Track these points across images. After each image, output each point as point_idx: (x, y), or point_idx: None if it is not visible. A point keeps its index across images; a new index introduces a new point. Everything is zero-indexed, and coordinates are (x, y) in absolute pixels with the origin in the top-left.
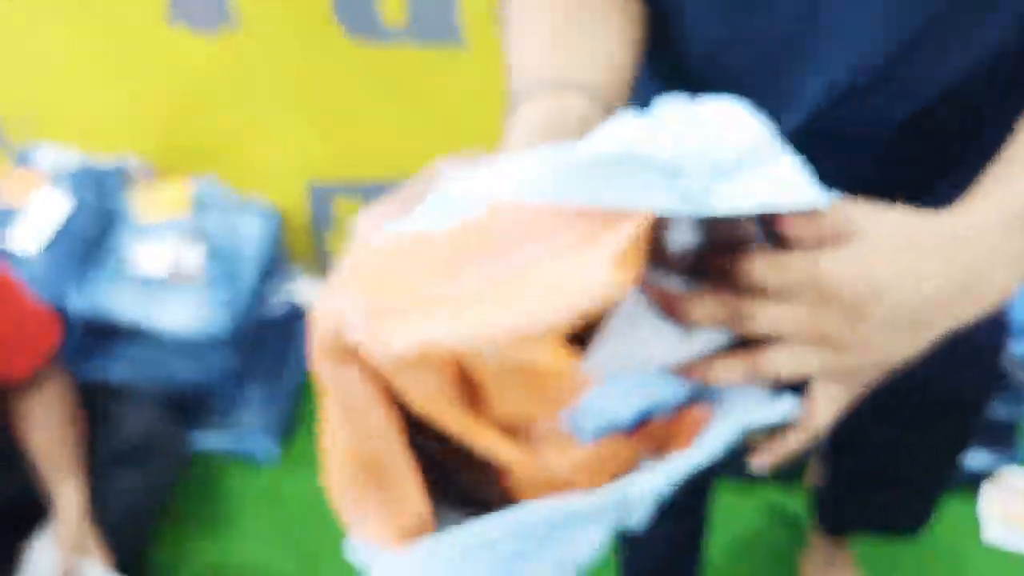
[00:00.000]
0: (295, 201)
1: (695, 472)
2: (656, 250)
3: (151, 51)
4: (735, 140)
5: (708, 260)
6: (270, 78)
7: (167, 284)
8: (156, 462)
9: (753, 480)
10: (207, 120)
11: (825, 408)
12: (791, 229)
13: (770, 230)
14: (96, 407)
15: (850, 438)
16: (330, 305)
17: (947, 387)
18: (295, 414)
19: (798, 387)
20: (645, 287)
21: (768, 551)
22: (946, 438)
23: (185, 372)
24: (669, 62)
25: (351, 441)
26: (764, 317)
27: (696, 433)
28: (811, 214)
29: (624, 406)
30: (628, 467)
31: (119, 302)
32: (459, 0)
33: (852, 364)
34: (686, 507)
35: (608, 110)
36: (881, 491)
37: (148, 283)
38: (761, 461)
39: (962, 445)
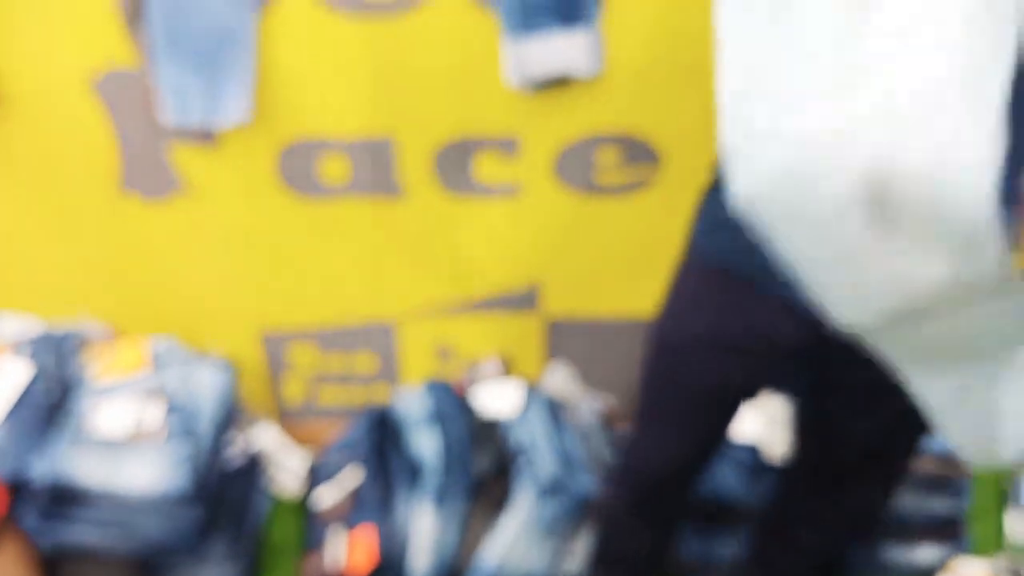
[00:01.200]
0: (250, 351)
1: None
2: None
3: (105, 219)
4: None
5: None
6: (221, 238)
7: (128, 444)
8: None
9: None
10: (162, 281)
11: None
12: None
13: None
14: (62, 573)
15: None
16: None
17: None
18: (257, 561)
19: None
20: None
21: None
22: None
23: (149, 530)
24: None
25: None
26: None
27: None
28: None
29: None
30: None
31: (81, 466)
32: (397, 157)
33: None
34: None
35: None
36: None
37: (109, 445)
38: None
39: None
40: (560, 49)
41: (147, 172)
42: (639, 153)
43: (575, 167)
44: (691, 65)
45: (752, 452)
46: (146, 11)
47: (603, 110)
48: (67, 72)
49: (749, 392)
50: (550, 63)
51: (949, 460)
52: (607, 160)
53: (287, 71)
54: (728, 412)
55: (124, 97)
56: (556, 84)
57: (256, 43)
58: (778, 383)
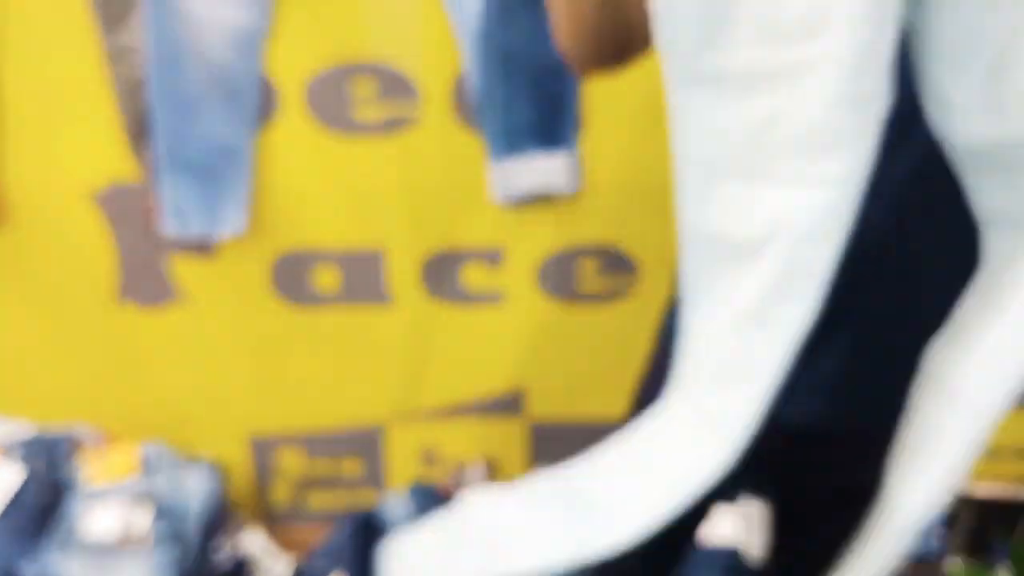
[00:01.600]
0: (238, 455)
1: None
2: None
3: (102, 326)
4: None
5: None
6: (214, 345)
7: (117, 549)
8: None
9: None
10: (154, 386)
11: None
12: None
13: None
14: None
15: None
16: None
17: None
18: None
19: None
20: None
21: None
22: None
23: None
24: None
25: None
26: None
27: None
28: None
29: None
30: None
31: (71, 570)
32: (386, 267)
33: None
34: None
35: None
36: None
37: (98, 549)
38: None
39: None
40: (541, 169)
41: (145, 281)
42: (617, 264)
43: (557, 276)
44: (664, 183)
45: (731, 555)
46: (149, 128)
47: (583, 223)
48: (71, 186)
49: (719, 496)
50: (532, 181)
51: (926, 564)
52: (587, 270)
53: (282, 185)
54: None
55: (125, 210)
56: (538, 199)
57: (254, 159)
58: (750, 488)
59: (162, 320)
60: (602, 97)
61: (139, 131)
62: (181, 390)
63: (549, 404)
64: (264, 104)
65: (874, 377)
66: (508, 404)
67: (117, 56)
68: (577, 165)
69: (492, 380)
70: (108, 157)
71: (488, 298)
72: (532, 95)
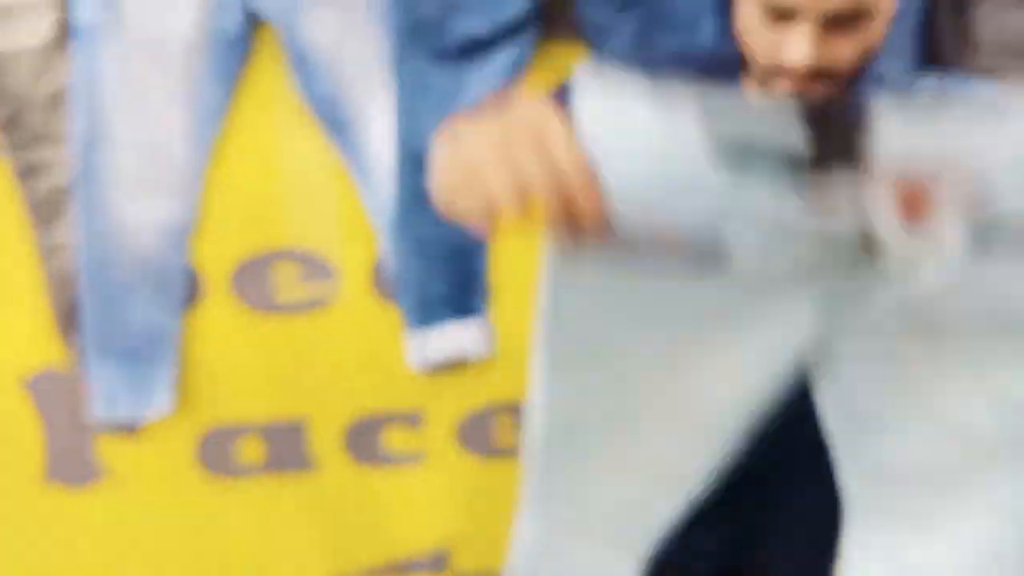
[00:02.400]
0: None
1: None
2: None
3: (28, 508)
4: None
5: None
6: (141, 521)
7: None
8: None
9: None
10: (82, 566)
11: None
12: None
13: None
14: None
15: None
16: None
17: None
18: None
19: None
20: None
21: None
22: None
23: None
24: None
25: None
26: None
27: None
28: None
29: None
30: None
31: None
32: (309, 436)
33: None
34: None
35: None
36: None
37: None
38: None
39: None
40: (455, 337)
41: (72, 462)
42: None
43: (476, 434)
44: None
45: None
46: (79, 317)
47: (497, 383)
48: (1, 372)
49: None
50: (447, 348)
51: None
52: (504, 427)
53: (207, 365)
54: None
55: (54, 394)
56: (454, 363)
57: (180, 342)
58: None
59: (89, 499)
60: (510, 267)
61: (69, 320)
62: (108, 569)
63: (474, 559)
64: (190, 290)
65: None
66: (435, 562)
67: (49, 251)
68: (489, 331)
69: (418, 539)
70: (38, 344)
71: (410, 459)
72: (445, 272)
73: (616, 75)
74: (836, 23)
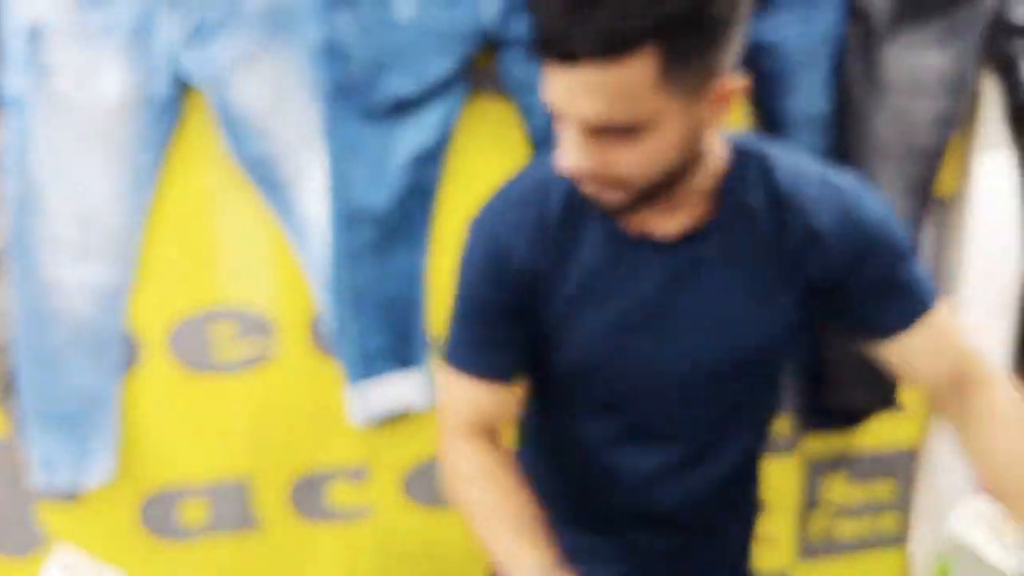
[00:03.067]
0: None
1: None
2: None
3: None
4: None
5: None
6: None
7: None
8: None
9: None
10: None
11: None
12: None
13: None
14: None
15: None
16: None
17: None
18: None
19: None
20: None
21: None
22: None
23: None
24: None
25: None
26: None
27: None
28: None
29: None
30: None
31: None
32: (254, 494)
33: None
34: None
35: None
36: None
37: None
38: None
39: None
40: (397, 388)
41: (12, 531)
42: None
43: (423, 486)
44: None
45: None
46: (16, 384)
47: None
48: None
49: None
50: (389, 401)
51: None
52: None
53: (148, 428)
54: None
55: None
56: (397, 416)
57: (119, 406)
58: None
59: (32, 568)
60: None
61: (6, 388)
62: None
63: None
64: (128, 353)
65: None
66: None
67: None
68: (430, 382)
69: None
70: None
71: (355, 513)
72: (383, 325)
73: None
74: (607, 133)
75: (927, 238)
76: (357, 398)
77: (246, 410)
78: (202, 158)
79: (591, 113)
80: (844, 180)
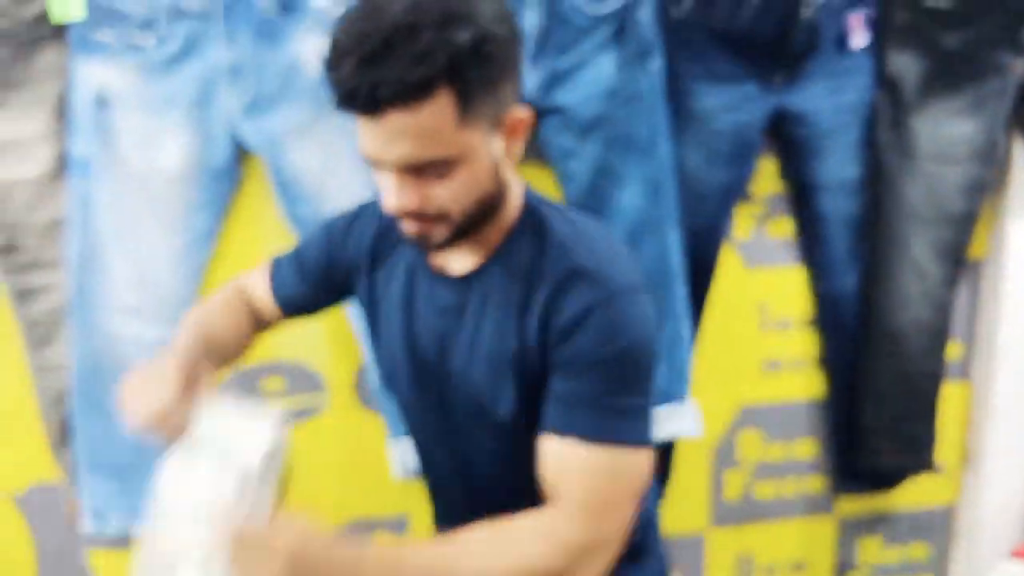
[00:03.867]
0: None
1: None
2: None
3: None
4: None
5: None
6: None
7: None
8: None
9: None
10: None
11: None
12: None
13: None
14: None
15: None
16: None
17: None
18: None
19: None
20: None
21: None
22: None
23: None
24: None
25: None
26: None
27: None
28: None
29: None
30: None
31: None
32: None
33: None
34: None
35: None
36: None
37: None
38: None
39: None
40: None
41: (62, 574)
42: None
43: None
44: None
45: None
46: (71, 433)
47: None
48: None
49: None
50: None
51: None
52: None
53: None
54: None
55: (46, 509)
56: None
57: None
58: None
59: None
60: None
61: (61, 436)
62: None
63: None
64: None
65: None
66: None
67: (43, 371)
68: None
69: None
70: (31, 461)
71: None
72: None
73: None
74: (421, 171)
75: (960, 301)
76: (398, 453)
77: (294, 461)
78: (258, 219)
79: (403, 156)
80: (605, 272)
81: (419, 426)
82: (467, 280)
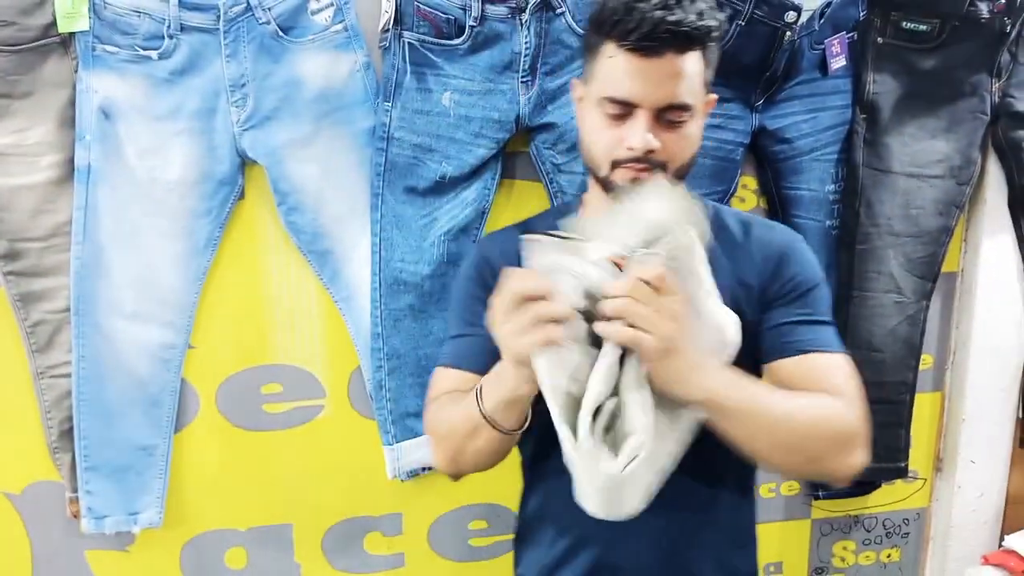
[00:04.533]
0: None
1: None
2: None
3: None
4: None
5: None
6: None
7: None
8: None
9: None
10: None
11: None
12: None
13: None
14: None
15: None
16: None
17: None
18: None
19: None
20: None
21: None
22: None
23: None
24: None
25: None
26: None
27: None
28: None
29: None
30: None
31: None
32: (294, 540)
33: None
34: None
35: None
36: None
37: None
38: None
39: None
40: (429, 448)
41: (62, 573)
42: (504, 518)
43: (450, 536)
44: None
45: None
46: (71, 434)
47: (470, 487)
48: None
49: None
50: (421, 459)
51: None
52: (477, 527)
53: (195, 477)
54: None
55: (43, 508)
56: (429, 471)
57: (170, 457)
58: None
59: None
60: None
61: (61, 438)
62: None
63: None
64: (182, 407)
65: None
66: None
67: (44, 373)
68: None
69: None
70: (29, 461)
71: (390, 563)
72: (417, 386)
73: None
74: (664, 119)
75: (933, 313)
76: (391, 456)
77: (289, 460)
78: (258, 227)
79: (666, 95)
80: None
81: None
82: None
